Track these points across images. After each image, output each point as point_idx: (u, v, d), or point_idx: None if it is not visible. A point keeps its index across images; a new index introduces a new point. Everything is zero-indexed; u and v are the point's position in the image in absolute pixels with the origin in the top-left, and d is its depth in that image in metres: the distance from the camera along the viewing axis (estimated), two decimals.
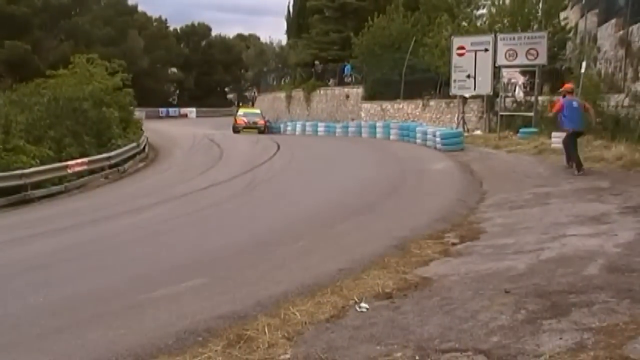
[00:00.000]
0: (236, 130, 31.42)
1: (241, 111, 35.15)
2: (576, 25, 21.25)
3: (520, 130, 18.63)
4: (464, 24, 26.56)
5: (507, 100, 20.83)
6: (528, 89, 20.52)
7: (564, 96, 11.81)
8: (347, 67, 33.62)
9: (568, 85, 12.26)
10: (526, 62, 20.03)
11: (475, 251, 6.20)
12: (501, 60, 20.43)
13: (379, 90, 29.22)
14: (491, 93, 21.54)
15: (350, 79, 33.34)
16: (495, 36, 20.89)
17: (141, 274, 6.15)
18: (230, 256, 6.70)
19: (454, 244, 6.62)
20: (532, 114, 19.52)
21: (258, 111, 34.96)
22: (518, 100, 20.73)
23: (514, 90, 20.73)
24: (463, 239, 6.85)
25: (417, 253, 6.28)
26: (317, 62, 37.34)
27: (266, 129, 31.51)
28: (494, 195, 9.93)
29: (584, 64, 16.26)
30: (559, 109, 11.74)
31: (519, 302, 4.20)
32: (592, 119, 12.33)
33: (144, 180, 16.25)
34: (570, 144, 11.45)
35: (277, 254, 6.57)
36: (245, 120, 32.08)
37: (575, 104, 11.59)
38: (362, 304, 4.68)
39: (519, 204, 8.77)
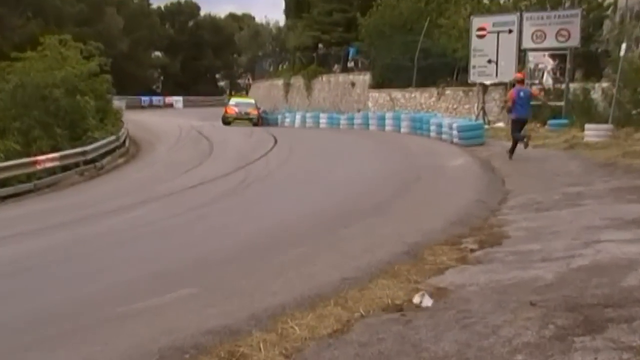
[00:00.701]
0: (226, 121, 31.50)
1: (233, 100, 35.21)
2: (615, 1, 21.16)
3: (549, 122, 18.61)
4: (485, 1, 26.52)
5: (534, 88, 20.80)
6: (558, 75, 20.45)
7: (514, 85, 13.93)
8: (352, 51, 33.58)
9: (519, 75, 15.15)
10: (556, 44, 19.97)
11: (496, 258, 6.19)
12: (527, 43, 20.39)
13: (389, 77, 29.18)
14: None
15: (352, 63, 33.26)
16: (521, 15, 20.86)
17: (120, 283, 6.15)
18: (221, 263, 6.70)
19: (472, 251, 6.61)
20: (562, 103, 19.49)
21: (252, 100, 35.08)
22: (546, 88, 20.67)
23: (542, 77, 20.67)
24: (483, 244, 6.83)
25: (431, 260, 6.26)
26: (319, 46, 37.31)
27: (260, 121, 31.58)
28: (518, 196, 9.91)
29: (624, 46, 16.18)
30: (513, 100, 13.98)
31: (547, 316, 4.19)
32: (544, 102, 17.38)
33: (124, 178, 16.27)
34: (515, 130, 14.05)
35: (273, 261, 6.56)
36: (237, 110, 32.18)
37: (522, 93, 14.04)
38: (425, 299, 4.70)
39: (547, 206, 8.75)
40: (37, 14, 50.06)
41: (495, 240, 6.98)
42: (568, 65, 19.86)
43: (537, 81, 20.66)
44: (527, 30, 20.34)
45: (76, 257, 7.62)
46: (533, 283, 5.11)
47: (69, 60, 22.12)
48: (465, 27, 23.45)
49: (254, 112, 32.05)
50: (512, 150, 14.15)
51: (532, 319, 4.19)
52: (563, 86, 19.92)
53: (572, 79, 20.02)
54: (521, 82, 14.80)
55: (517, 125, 14.19)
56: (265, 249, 7.17)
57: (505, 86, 22.13)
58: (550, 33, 19.93)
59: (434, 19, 28.16)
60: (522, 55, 20.96)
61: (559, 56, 20.37)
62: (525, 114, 14.23)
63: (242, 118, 31.46)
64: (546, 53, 20.48)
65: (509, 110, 14.60)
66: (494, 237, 7.14)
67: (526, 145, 14.18)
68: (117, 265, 6.98)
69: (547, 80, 20.55)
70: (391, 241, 7.12)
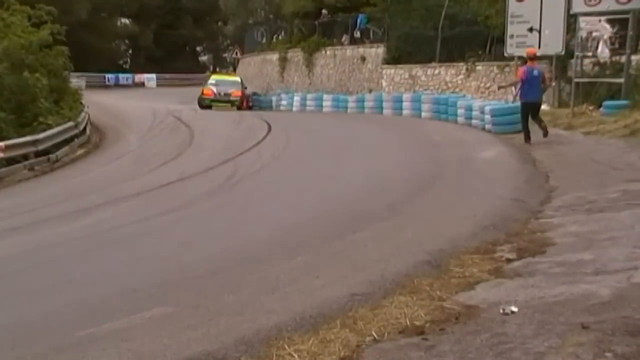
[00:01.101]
0: (202, 104, 31.87)
1: (213, 78, 35.37)
2: None
3: (605, 103, 18.58)
4: None
5: (586, 62, 20.72)
6: (617, 45, 20.34)
7: (525, 63, 15.46)
8: (362, 19, 33.55)
9: (531, 50, 15.95)
10: (615, 6, 19.85)
11: (539, 270, 6.20)
12: (578, 6, 20.28)
13: (407, 51, 29.19)
14: (563, 52, 21.47)
15: (358, 34, 33.19)
16: None
17: (81, 301, 6.17)
18: (203, 276, 6.71)
19: (509, 261, 6.61)
20: (621, 80, 19.42)
21: (237, 79, 35.29)
22: (602, 61, 20.57)
23: (597, 48, 20.53)
24: (522, 253, 6.84)
25: (458, 272, 6.27)
26: (323, 12, 37.29)
27: (246, 104, 31.73)
28: (565, 194, 9.92)
29: None
30: (523, 80, 15.13)
31: (603, 342, 4.20)
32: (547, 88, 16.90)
33: (85, 174, 16.31)
34: (524, 116, 15.28)
35: (267, 274, 6.58)
36: (215, 91, 32.47)
37: (535, 72, 15.13)
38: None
39: (602, 206, 8.75)
40: None
41: (537, 248, 6.98)
42: (630, 33, 19.68)
43: (590, 53, 20.50)
44: None
45: (25, 270, 7.62)
46: (585, 301, 5.12)
47: (13, 28, 21.87)
48: None
49: (236, 94, 32.34)
50: (527, 137, 15.25)
51: (584, 345, 4.19)
52: (623, 59, 19.80)
53: (634, 50, 19.88)
54: (533, 59, 15.78)
55: (528, 110, 15.27)
56: (257, 258, 7.18)
57: (550, 60, 22.13)
58: None
59: None
60: (571, 22, 20.90)
61: (618, 21, 20.22)
62: (538, 97, 15.36)
63: (221, 100, 31.87)
64: (602, 18, 20.31)
65: (519, 93, 15.68)
66: (536, 244, 7.14)
67: (545, 134, 15.24)
68: (77, 280, 7.00)
69: (603, 52, 20.29)
70: (409, 249, 7.13)
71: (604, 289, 5.34)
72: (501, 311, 4.97)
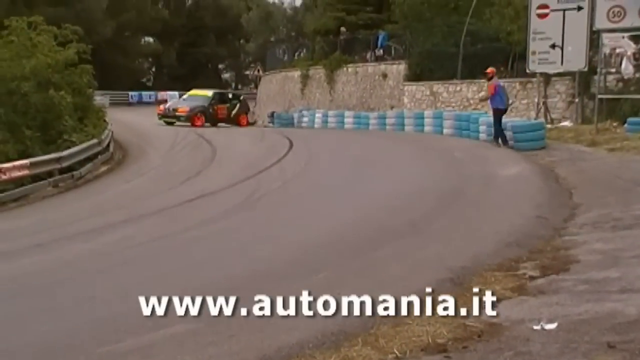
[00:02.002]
0: (160, 120, 32.65)
1: (187, 94, 36.07)
2: None
3: (629, 120, 18.46)
4: None
5: (610, 78, 20.61)
6: None
7: (490, 79, 18.78)
8: (383, 36, 33.62)
9: (491, 70, 19.03)
10: (639, 23, 19.78)
11: (563, 288, 6.14)
12: (602, 23, 20.21)
13: (428, 67, 29.20)
14: (586, 69, 21.39)
15: (381, 51, 33.27)
16: None
17: (103, 318, 6.19)
18: (225, 293, 6.67)
19: (532, 278, 6.57)
20: None
21: (206, 94, 35.16)
22: (626, 77, 20.47)
23: (620, 64, 20.43)
24: (545, 271, 6.79)
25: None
26: (343, 29, 37.45)
27: (196, 120, 31.85)
28: (589, 211, 9.83)
29: None
30: (494, 92, 18.34)
31: None
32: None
33: (107, 190, 16.39)
34: (498, 121, 18.24)
35: (288, 291, 6.55)
36: (165, 107, 33.53)
37: (502, 83, 19.33)
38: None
39: (627, 223, 8.67)
40: None
41: (562, 265, 6.93)
42: None
43: (613, 69, 20.41)
44: (602, 6, 20.16)
45: (48, 286, 7.66)
46: (611, 319, 5.06)
47: (40, 48, 22.14)
48: (522, 5, 23.40)
49: (182, 110, 32.45)
50: (505, 141, 18.04)
51: None
52: None
53: None
54: (492, 78, 19.00)
55: (502, 115, 18.49)
56: (279, 275, 7.17)
57: (573, 77, 22.02)
58: (632, 9, 19.71)
59: None
60: (594, 38, 20.81)
61: None
62: (506, 104, 18.95)
63: (167, 116, 32.37)
64: (626, 35, 20.24)
65: (492, 104, 18.74)
66: (560, 261, 7.09)
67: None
68: (99, 297, 7.01)
69: (627, 68, 20.20)
70: (431, 266, 7.10)
71: (630, 307, 5.27)
72: (536, 327, 4.92)
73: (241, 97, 35.93)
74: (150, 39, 69.92)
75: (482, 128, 20.52)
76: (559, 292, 6.01)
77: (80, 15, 48.73)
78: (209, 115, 32.44)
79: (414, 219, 9.89)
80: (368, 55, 34.62)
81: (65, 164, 17.82)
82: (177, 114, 32.38)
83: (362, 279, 6.82)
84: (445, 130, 23.22)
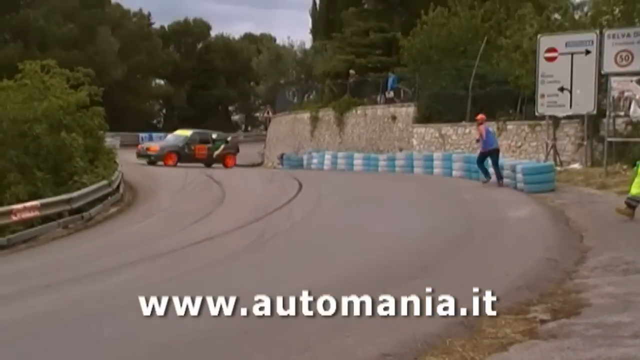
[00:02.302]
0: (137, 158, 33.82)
1: (172, 133, 37.53)
2: None
3: (639, 163, 18.43)
4: (556, 16, 26.68)
5: (619, 121, 20.65)
6: None
7: (480, 124, 20.11)
8: (393, 79, 33.88)
9: (482, 116, 20.34)
10: None
11: (574, 332, 6.08)
12: (610, 66, 20.35)
13: (437, 110, 29.35)
14: (595, 112, 21.43)
15: (391, 94, 33.49)
16: (602, 32, 20.88)
17: None
18: (232, 335, 6.67)
19: (543, 322, 6.53)
20: None
21: (184, 134, 36.00)
22: (634, 121, 20.53)
23: (629, 108, 20.49)
24: (556, 314, 6.74)
25: (491, 333, 6.19)
26: (352, 72, 37.78)
27: (167, 159, 32.59)
28: (600, 254, 9.78)
29: None
30: (483, 134, 19.84)
31: None
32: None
33: (117, 231, 16.41)
34: (492, 160, 19.80)
35: (297, 332, 6.52)
36: (142, 147, 35.06)
37: (491, 129, 20.93)
38: None
39: (639, 267, 8.62)
40: (16, 36, 51.47)
41: (573, 309, 6.88)
42: None
43: (622, 112, 20.46)
44: (610, 50, 20.30)
45: (57, 328, 7.63)
46: None
47: (52, 90, 22.36)
48: (531, 49, 23.55)
49: (152, 149, 33.87)
50: (488, 175, 19.94)
51: None
52: None
53: None
54: (482, 122, 20.31)
55: (490, 155, 19.88)
56: (286, 317, 7.13)
57: (582, 120, 22.05)
58: (639, 53, 19.84)
59: (492, 39, 28.44)
60: (602, 82, 20.91)
61: None
62: (496, 145, 20.35)
63: (142, 155, 33.55)
64: (634, 78, 20.34)
65: (483, 145, 20.11)
66: (571, 305, 7.04)
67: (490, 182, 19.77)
68: (107, 339, 6.99)
69: (636, 112, 20.27)
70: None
71: None
72: None
73: (228, 139, 36.37)
74: (161, 81, 70.69)
75: (491, 170, 20.54)
76: (571, 336, 5.96)
77: (93, 57, 49.35)
78: (184, 155, 33.01)
79: (424, 261, 9.86)
80: (378, 98, 34.82)
81: (75, 205, 17.86)
82: (148, 152, 33.59)
83: (372, 321, 6.76)
84: (454, 172, 23.26)
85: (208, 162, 33.16)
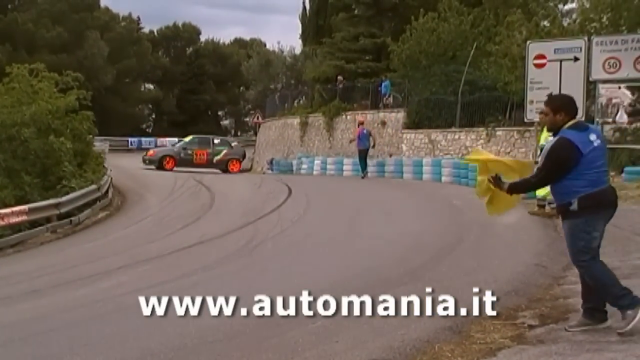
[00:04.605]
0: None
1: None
2: None
3: (626, 170, 18.53)
4: (545, 23, 26.80)
5: (607, 128, 20.75)
6: (637, 109, 20.40)
7: (358, 126, 26.73)
8: (386, 85, 33.85)
9: (361, 119, 27.19)
10: (635, 73, 19.97)
11: (562, 337, 6.11)
12: (598, 73, 20.42)
13: (427, 115, 29.43)
14: (583, 118, 21.47)
15: (390, 99, 33.57)
16: (590, 40, 20.97)
17: None
18: (222, 340, 6.67)
19: (531, 327, 6.55)
20: None
21: (186, 139, 36.67)
22: (622, 127, 20.64)
23: (617, 114, 20.61)
24: (544, 319, 6.76)
25: (479, 338, 6.20)
26: (340, 78, 37.83)
27: (165, 163, 33.10)
28: None
29: None
30: (358, 135, 26.46)
31: None
32: (374, 141, 27.50)
33: (106, 236, 16.36)
34: (363, 159, 26.39)
35: (285, 338, 6.53)
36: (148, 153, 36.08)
37: (365, 131, 26.66)
38: None
39: (626, 273, 8.64)
40: (4, 40, 51.28)
41: (561, 314, 6.90)
42: None
43: (610, 119, 20.55)
44: (598, 57, 20.37)
45: (44, 333, 7.60)
46: None
47: (41, 94, 22.32)
48: (520, 55, 23.64)
49: (150, 154, 35.22)
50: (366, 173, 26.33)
51: None
52: None
53: None
54: (362, 123, 27.51)
55: (362, 154, 26.41)
56: (276, 322, 7.12)
57: None
58: (627, 61, 19.91)
59: (481, 45, 28.54)
60: (591, 89, 21.01)
61: (638, 88, 20.33)
62: (366, 146, 26.44)
63: (144, 160, 34.39)
64: (622, 85, 20.45)
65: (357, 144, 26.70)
66: (559, 310, 7.06)
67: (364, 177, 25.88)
68: (94, 343, 6.97)
69: (623, 118, 20.38)
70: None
71: (630, 358, 5.25)
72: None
73: (233, 144, 36.18)
74: (151, 86, 70.59)
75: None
76: (558, 342, 5.98)
77: (82, 61, 49.27)
78: (181, 160, 32.83)
79: (413, 266, 9.88)
80: (376, 103, 34.70)
81: (63, 210, 17.81)
82: (146, 157, 34.45)
83: (360, 326, 6.77)
84: (444, 178, 23.30)
85: (210, 168, 33.06)
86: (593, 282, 6.17)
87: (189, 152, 33.38)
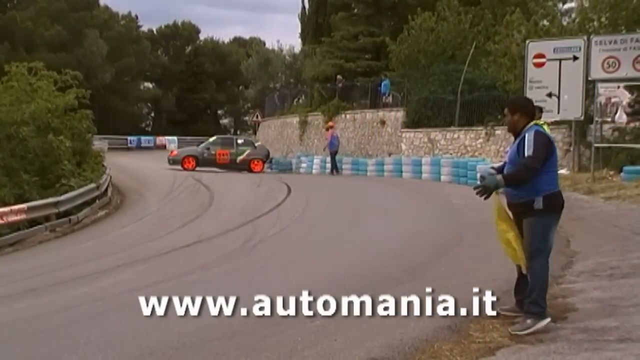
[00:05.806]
0: None
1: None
2: None
3: (625, 169, 18.54)
4: (544, 22, 26.80)
5: (606, 127, 20.75)
6: (636, 108, 20.38)
7: (328, 129, 29.46)
8: (386, 84, 33.83)
9: (331, 123, 30.42)
10: (633, 73, 19.99)
11: (560, 336, 6.11)
12: (597, 72, 20.44)
13: (426, 115, 29.43)
14: (582, 118, 21.53)
15: (390, 98, 33.56)
16: (589, 39, 20.97)
17: None
18: (221, 339, 6.67)
19: None
20: None
21: (210, 139, 36.72)
22: (621, 127, 20.64)
23: (615, 114, 20.59)
24: None
25: (478, 337, 6.21)
26: (339, 77, 37.82)
27: (185, 163, 32.92)
28: (586, 259, 9.82)
29: None
30: (329, 137, 29.36)
31: None
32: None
33: (104, 235, 16.35)
34: (334, 159, 29.41)
35: (284, 337, 6.53)
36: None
37: (336, 134, 29.91)
38: None
39: (624, 272, 8.66)
40: (2, 38, 51.20)
41: (559, 313, 6.90)
42: None
43: (609, 119, 20.53)
44: (597, 57, 20.38)
45: (42, 332, 7.59)
46: None
47: (40, 93, 22.32)
48: (519, 54, 23.66)
49: (172, 154, 35.11)
50: (337, 171, 29.25)
51: None
52: None
53: None
54: (331, 127, 31.06)
55: (335, 155, 29.60)
56: (275, 321, 7.12)
57: (569, 125, 22.15)
58: (626, 60, 19.93)
59: (480, 45, 28.55)
60: (590, 88, 21.01)
61: (637, 88, 20.34)
62: (337, 147, 29.60)
63: (168, 160, 34.13)
64: (621, 84, 20.45)
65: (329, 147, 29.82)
66: (557, 309, 7.06)
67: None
68: (93, 342, 6.96)
69: (621, 117, 20.36)
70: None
71: (629, 357, 5.25)
72: None
73: (256, 144, 35.83)
74: (150, 84, 70.53)
75: (479, 175, 20.59)
76: (557, 341, 5.98)
77: (81, 60, 49.23)
78: (203, 160, 32.68)
79: (412, 265, 9.88)
80: (376, 102, 34.65)
81: (62, 209, 17.80)
82: (170, 157, 34.17)
83: (359, 325, 6.77)
84: (443, 177, 23.33)
85: (232, 168, 32.72)
86: (532, 278, 6.42)
87: (212, 152, 33.11)
